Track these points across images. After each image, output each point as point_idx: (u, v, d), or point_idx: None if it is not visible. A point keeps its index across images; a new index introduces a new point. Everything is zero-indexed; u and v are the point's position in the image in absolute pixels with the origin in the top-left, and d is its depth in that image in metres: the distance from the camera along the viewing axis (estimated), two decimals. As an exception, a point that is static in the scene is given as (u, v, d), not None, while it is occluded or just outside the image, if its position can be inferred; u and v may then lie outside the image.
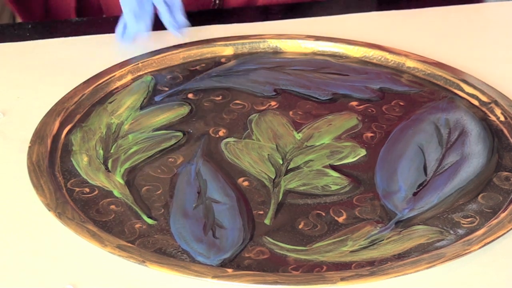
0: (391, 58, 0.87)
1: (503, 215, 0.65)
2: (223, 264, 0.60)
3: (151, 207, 0.66)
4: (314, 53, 0.89)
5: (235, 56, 0.88)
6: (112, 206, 0.66)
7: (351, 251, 0.62)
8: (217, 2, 1.06)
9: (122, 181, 0.69)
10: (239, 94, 0.82)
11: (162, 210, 0.66)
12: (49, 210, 0.64)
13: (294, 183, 0.69)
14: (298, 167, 0.71)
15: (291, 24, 0.96)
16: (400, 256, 0.62)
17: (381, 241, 0.63)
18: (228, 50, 0.89)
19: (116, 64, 0.84)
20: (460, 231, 0.64)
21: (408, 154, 0.73)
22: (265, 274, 0.59)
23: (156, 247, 0.62)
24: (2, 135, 0.75)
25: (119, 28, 0.88)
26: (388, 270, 0.59)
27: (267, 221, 0.65)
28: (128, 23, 0.87)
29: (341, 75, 0.85)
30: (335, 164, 0.72)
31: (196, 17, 0.96)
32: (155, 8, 0.87)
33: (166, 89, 0.82)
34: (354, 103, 0.81)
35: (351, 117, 0.79)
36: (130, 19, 0.86)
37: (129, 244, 0.61)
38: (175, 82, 0.84)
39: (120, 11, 0.87)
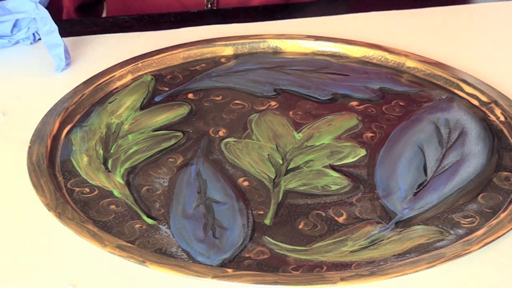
0: (391, 58, 0.87)
1: (503, 215, 0.65)
2: (223, 264, 0.60)
3: (151, 207, 0.66)
4: (314, 53, 0.89)
5: (235, 56, 0.88)
6: (112, 206, 0.66)
7: (351, 251, 0.62)
8: (210, 4, 1.06)
9: (122, 181, 0.69)
10: (239, 94, 0.82)
11: (162, 210, 0.66)
12: (49, 210, 0.64)
13: (294, 183, 0.69)
14: (298, 167, 0.71)
15: (291, 24, 0.96)
16: (400, 256, 0.62)
17: (381, 241, 0.63)
18: (228, 50, 0.89)
19: (116, 64, 0.84)
20: (460, 231, 0.64)
21: (408, 154, 0.73)
22: (265, 274, 0.59)
23: (156, 247, 0.62)
24: (2, 135, 0.75)
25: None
26: (388, 270, 0.59)
27: (267, 221, 0.65)
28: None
29: (341, 75, 0.85)
30: (335, 164, 0.72)
31: (196, 17, 0.96)
32: None
33: (166, 89, 0.82)
34: (354, 103, 0.81)
35: (351, 117, 0.79)
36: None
37: (129, 244, 0.61)
38: (175, 82, 0.84)
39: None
